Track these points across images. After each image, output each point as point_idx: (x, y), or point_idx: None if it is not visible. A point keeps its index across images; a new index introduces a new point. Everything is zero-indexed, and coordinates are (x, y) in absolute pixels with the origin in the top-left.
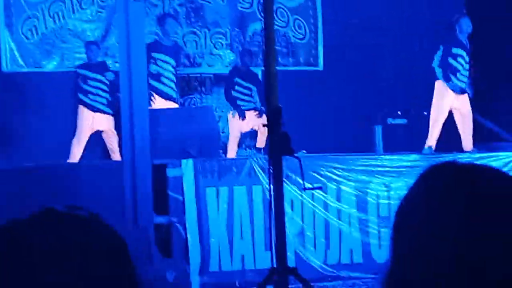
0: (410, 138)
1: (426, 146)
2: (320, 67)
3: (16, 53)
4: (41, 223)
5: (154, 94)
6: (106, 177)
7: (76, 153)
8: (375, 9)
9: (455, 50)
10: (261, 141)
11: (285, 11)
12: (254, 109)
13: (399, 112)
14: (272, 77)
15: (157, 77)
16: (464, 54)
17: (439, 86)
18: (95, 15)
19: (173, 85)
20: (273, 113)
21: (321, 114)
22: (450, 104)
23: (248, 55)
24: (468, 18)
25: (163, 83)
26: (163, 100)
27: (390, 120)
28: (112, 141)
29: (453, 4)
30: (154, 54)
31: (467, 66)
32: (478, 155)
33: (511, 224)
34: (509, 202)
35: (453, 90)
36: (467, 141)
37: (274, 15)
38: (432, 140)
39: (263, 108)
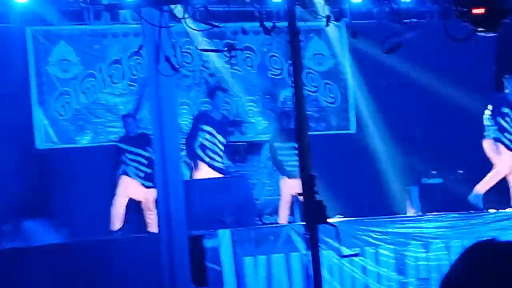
0: (446, 197)
1: (473, 193)
2: (353, 130)
3: (49, 129)
4: None
5: (200, 163)
6: (143, 250)
7: (115, 221)
8: (404, 67)
9: (504, 109)
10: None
11: (315, 75)
12: None
13: (434, 172)
14: (304, 145)
15: (203, 148)
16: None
17: (490, 144)
18: (126, 88)
19: (218, 158)
20: (307, 181)
21: (356, 177)
22: (509, 161)
23: (286, 118)
24: None
25: (209, 156)
26: (210, 169)
27: (425, 180)
28: (149, 214)
29: (482, 60)
30: (203, 126)
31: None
32: None
33: None
34: None
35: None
36: None
37: (304, 80)
38: (483, 187)
39: None
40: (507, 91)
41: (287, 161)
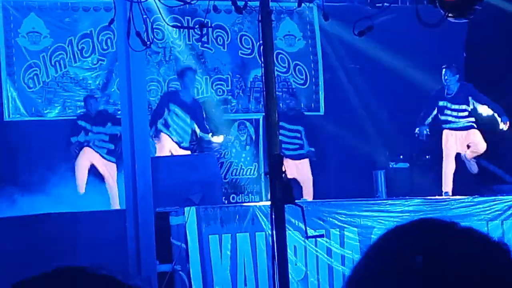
0: (412, 182)
1: (443, 192)
2: (321, 111)
3: (18, 101)
4: (53, 283)
5: (164, 136)
6: (109, 225)
7: (81, 184)
8: (375, 52)
9: (440, 103)
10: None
11: (285, 56)
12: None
13: (401, 156)
14: (272, 125)
15: (167, 127)
16: (448, 104)
17: (443, 133)
18: (96, 63)
19: (186, 137)
20: (275, 161)
21: (323, 159)
22: (455, 147)
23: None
24: (452, 68)
25: (174, 133)
26: (175, 145)
27: (392, 164)
28: (107, 170)
29: (454, 45)
30: (171, 105)
31: (457, 113)
32: (481, 198)
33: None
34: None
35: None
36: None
37: (275, 60)
38: (447, 186)
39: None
40: (445, 82)
41: (286, 142)
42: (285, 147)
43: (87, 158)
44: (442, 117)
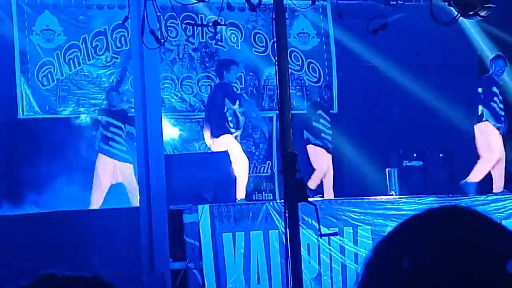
0: (426, 180)
1: (468, 180)
2: (335, 109)
3: (32, 99)
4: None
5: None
6: (123, 223)
7: (96, 202)
8: (389, 50)
9: (494, 89)
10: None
11: (299, 54)
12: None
13: (414, 154)
14: (286, 122)
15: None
16: (499, 93)
17: (486, 126)
18: (110, 61)
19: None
20: (288, 159)
21: (337, 158)
22: (500, 144)
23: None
24: (503, 59)
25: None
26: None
27: (405, 163)
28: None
29: (468, 43)
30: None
31: (501, 106)
32: (495, 196)
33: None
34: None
35: (499, 129)
36: (498, 183)
37: (289, 58)
38: (476, 176)
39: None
40: (491, 71)
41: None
42: (326, 137)
43: (104, 174)
44: (493, 104)
